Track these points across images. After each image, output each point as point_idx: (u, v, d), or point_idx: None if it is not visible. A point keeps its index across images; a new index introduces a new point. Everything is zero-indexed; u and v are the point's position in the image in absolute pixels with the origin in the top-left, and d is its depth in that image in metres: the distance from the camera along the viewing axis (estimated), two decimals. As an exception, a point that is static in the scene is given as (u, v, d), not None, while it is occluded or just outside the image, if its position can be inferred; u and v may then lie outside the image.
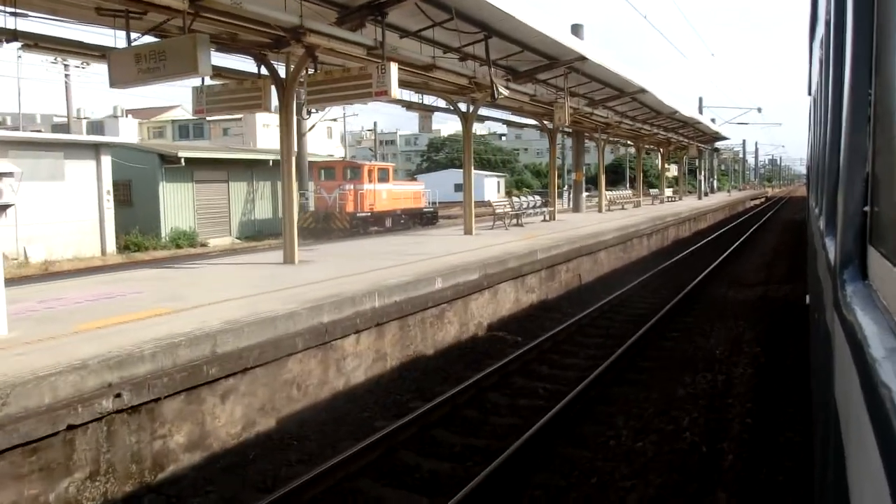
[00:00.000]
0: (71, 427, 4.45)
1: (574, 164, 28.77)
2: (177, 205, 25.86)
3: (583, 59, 14.49)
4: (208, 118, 55.29)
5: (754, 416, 6.18)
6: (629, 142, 33.51)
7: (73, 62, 24.82)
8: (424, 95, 15.72)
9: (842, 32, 1.82)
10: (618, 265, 16.91)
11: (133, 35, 8.93)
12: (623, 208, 30.56)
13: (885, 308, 1.17)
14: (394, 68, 9.29)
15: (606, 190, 32.19)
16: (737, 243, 21.68)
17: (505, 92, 12.79)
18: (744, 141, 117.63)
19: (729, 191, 72.21)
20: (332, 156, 43.63)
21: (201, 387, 5.42)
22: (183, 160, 25.19)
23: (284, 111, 10.21)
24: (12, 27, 8.68)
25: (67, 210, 21.48)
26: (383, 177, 28.03)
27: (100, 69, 9.45)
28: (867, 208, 1.43)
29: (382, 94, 9.28)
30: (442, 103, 16.28)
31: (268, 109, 10.42)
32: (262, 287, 8.20)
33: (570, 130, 26.25)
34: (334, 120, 57.22)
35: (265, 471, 5.46)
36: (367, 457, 5.62)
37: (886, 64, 1.28)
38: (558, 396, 6.98)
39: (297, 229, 25.95)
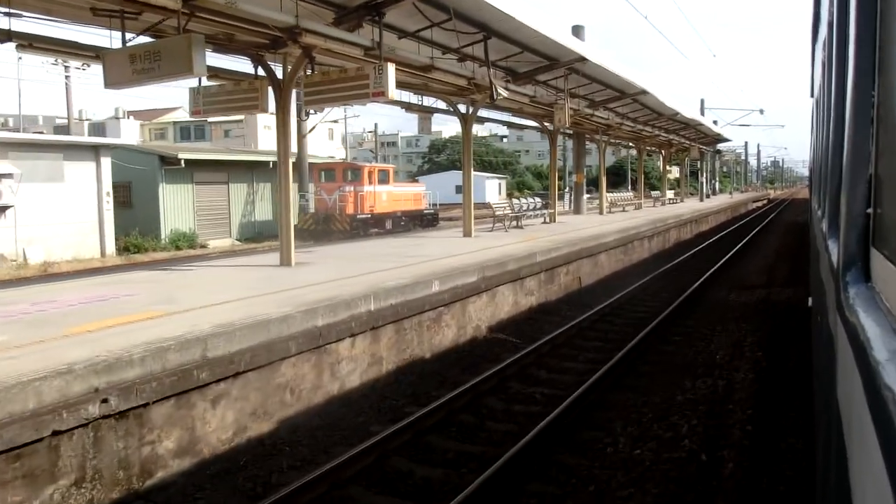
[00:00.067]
0: (56, 433, 4.36)
1: (575, 166, 28.68)
2: (176, 206, 25.81)
3: (583, 60, 14.40)
4: (210, 120, 55.42)
5: (755, 423, 6.07)
6: (630, 143, 33.40)
7: (73, 63, 24.79)
8: (424, 97, 15.66)
9: (844, 34, 1.81)
10: (618, 268, 16.81)
11: (129, 36, 8.88)
12: (624, 210, 30.46)
13: (888, 310, 1.16)
14: (391, 69, 9.21)
15: (608, 192, 32.10)
16: (739, 246, 21.56)
17: (504, 93, 12.70)
18: (746, 143, 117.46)
19: (731, 193, 72.05)
20: (332, 157, 43.61)
21: (191, 391, 5.33)
22: (183, 162, 25.14)
23: (281, 112, 10.13)
24: (6, 27, 8.61)
25: (67, 211, 21.44)
26: (383, 178, 27.95)
27: (100, 71, 9.41)
28: (870, 210, 1.42)
29: (379, 94, 9.20)
30: (442, 105, 16.21)
31: (265, 110, 10.35)
32: (256, 289, 8.11)
33: (571, 132, 26.17)
34: (335, 121, 57.20)
35: (256, 477, 5.37)
36: (361, 462, 5.53)
37: (890, 65, 1.27)
38: (556, 402, 6.88)
39: (297, 231, 25.96)
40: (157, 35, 9.01)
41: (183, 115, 59.24)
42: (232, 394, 5.73)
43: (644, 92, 19.83)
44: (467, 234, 16.08)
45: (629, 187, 53.71)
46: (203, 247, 25.60)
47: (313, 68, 9.83)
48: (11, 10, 8.35)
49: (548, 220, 21.62)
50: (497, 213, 18.79)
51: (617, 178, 65.41)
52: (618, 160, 67.59)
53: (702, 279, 14.39)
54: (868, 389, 1.01)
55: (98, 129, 54.47)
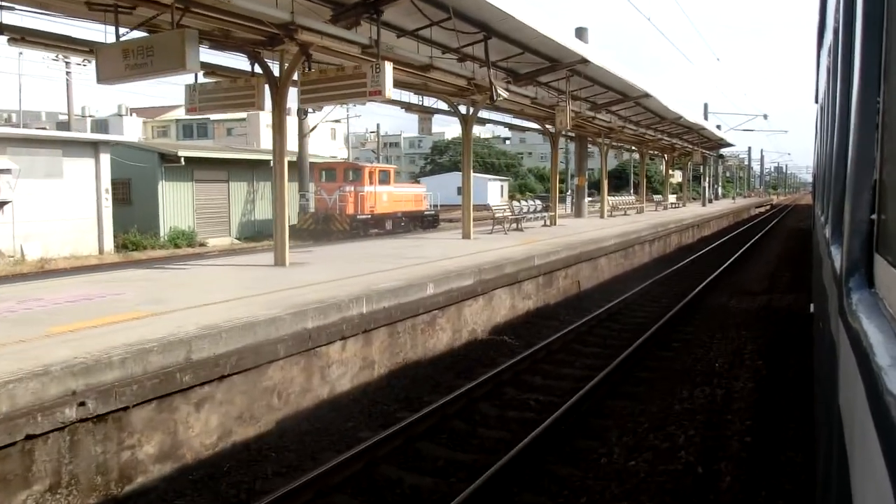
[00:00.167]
0: (30, 437, 4.22)
1: (576, 169, 28.51)
2: (176, 204, 25.70)
3: (585, 61, 14.25)
4: (212, 118, 55.37)
5: (754, 434, 5.91)
6: (633, 147, 33.23)
7: (74, 59, 24.71)
8: (424, 97, 15.52)
9: (850, 40, 1.82)
10: (618, 272, 16.64)
11: (124, 30, 8.75)
12: (626, 214, 30.29)
13: (891, 316, 1.16)
14: (388, 68, 9.07)
15: (610, 195, 31.93)
16: (740, 251, 21.39)
17: (504, 94, 12.55)
18: (749, 148, 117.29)
19: (734, 198, 71.82)
20: (334, 157, 43.50)
21: (174, 395, 5.19)
22: (183, 159, 25.03)
23: (277, 110, 10.00)
24: (-1, 20, 8.49)
25: (65, 208, 21.33)
26: (384, 179, 27.83)
27: (102, 67, 9.38)
28: (874, 216, 1.43)
29: (376, 93, 9.06)
30: (442, 105, 16.07)
31: (261, 108, 10.21)
32: (248, 290, 7.97)
33: (573, 135, 26.01)
34: (338, 121, 57.12)
35: (239, 483, 5.23)
36: (348, 469, 5.39)
37: (895, 72, 1.27)
38: (551, 409, 6.73)
39: (297, 231, 25.83)
40: (152, 30, 8.88)
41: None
42: (217, 397, 5.58)
43: (647, 95, 19.67)
44: (466, 236, 15.93)
45: (631, 191, 53.51)
46: (202, 245, 25.48)
47: (310, 66, 9.70)
48: (4, 3, 8.23)
49: (548, 222, 21.46)
50: (497, 215, 18.63)
51: (619, 181, 65.20)
52: (620, 164, 67.33)
53: (702, 284, 14.24)
54: (870, 395, 1.01)
55: (101, 125, 54.49)
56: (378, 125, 55.47)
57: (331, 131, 60.16)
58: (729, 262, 18.47)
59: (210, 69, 10.58)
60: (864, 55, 1.49)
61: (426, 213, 30.83)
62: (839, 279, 1.71)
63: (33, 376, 4.34)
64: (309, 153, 29.40)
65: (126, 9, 8.37)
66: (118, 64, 8.12)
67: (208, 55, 10.60)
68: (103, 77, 8.35)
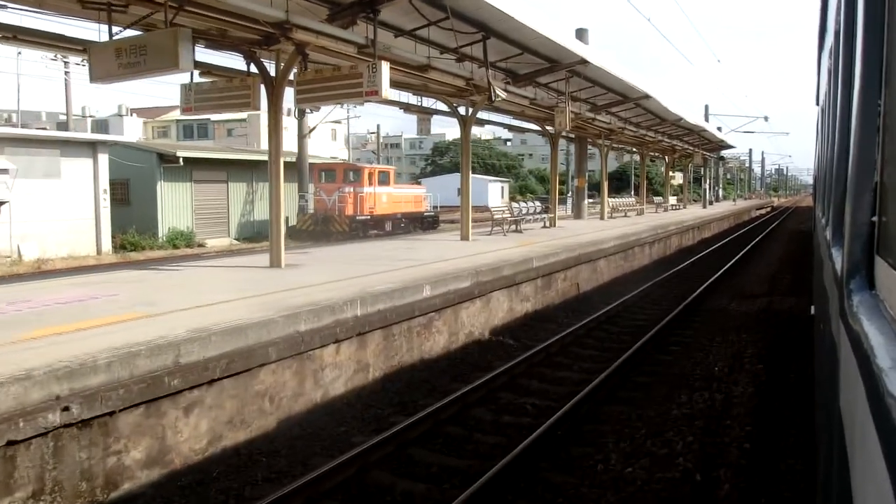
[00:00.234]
0: (11, 443, 4.13)
1: (576, 171, 28.41)
2: (175, 205, 25.61)
3: (584, 62, 14.15)
4: (213, 118, 55.33)
5: (753, 441, 5.80)
6: (633, 149, 33.13)
7: (73, 59, 24.63)
8: (423, 98, 15.43)
9: (851, 42, 1.82)
10: (618, 274, 16.54)
11: (118, 29, 8.67)
12: (626, 216, 30.18)
13: (892, 318, 1.16)
14: (385, 67, 8.98)
15: (610, 197, 31.83)
16: (741, 253, 21.28)
17: (503, 94, 12.46)
18: (750, 150, 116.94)
19: (734, 200, 71.70)
20: (335, 158, 43.41)
21: (162, 399, 5.09)
22: (181, 160, 24.94)
23: (273, 110, 9.91)
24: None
25: (63, 208, 21.25)
26: (384, 180, 27.75)
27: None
28: (875, 218, 1.43)
29: (373, 93, 8.97)
30: (442, 106, 15.98)
31: (256, 108, 10.12)
32: (241, 292, 7.87)
33: (573, 136, 25.92)
34: (338, 122, 57.05)
35: (228, 490, 5.13)
36: (340, 475, 5.28)
37: None
38: (547, 413, 6.63)
39: (296, 232, 25.73)
40: (147, 29, 8.80)
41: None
42: (206, 402, 5.48)
43: (647, 96, 19.57)
44: (464, 237, 15.83)
45: (632, 193, 53.39)
46: (201, 246, 25.39)
47: (306, 66, 9.61)
48: (-2, 2, 8.15)
49: (548, 224, 21.36)
50: (496, 216, 18.53)
51: (620, 183, 65.09)
52: (621, 166, 67.25)
53: (702, 287, 14.13)
54: (871, 397, 1.01)
55: (101, 126, 54.46)
56: (378, 126, 55.40)
57: (331, 132, 60.10)
58: (729, 264, 18.37)
59: (206, 69, 10.49)
60: (864, 57, 1.50)
61: (426, 214, 30.75)
62: (840, 281, 1.72)
63: (15, 380, 4.25)
64: (309, 154, 29.34)
65: (120, 7, 8.28)
66: (111, 63, 8.03)
67: (204, 55, 10.53)
68: (96, 76, 8.26)
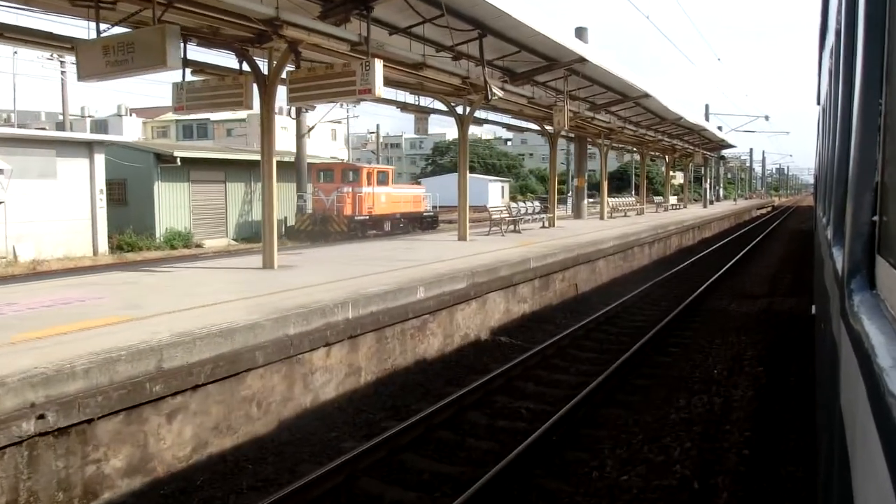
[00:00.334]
0: (-17, 452, 3.98)
1: (576, 170, 28.26)
2: (172, 205, 25.46)
3: (583, 60, 14.00)
4: (212, 118, 55.20)
5: (753, 447, 5.65)
6: (633, 148, 32.96)
7: (69, 58, 24.45)
8: (421, 97, 15.29)
9: (852, 42, 1.82)
10: (617, 275, 16.39)
11: (107, 27, 8.52)
12: (626, 215, 30.02)
13: (892, 318, 1.17)
14: (378, 65, 8.83)
15: (610, 197, 31.67)
16: (741, 253, 21.13)
17: (499, 93, 12.30)
18: (751, 149, 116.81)
19: (735, 199, 71.49)
20: (335, 158, 43.26)
21: (143, 406, 4.95)
22: (179, 160, 24.79)
23: (266, 109, 9.77)
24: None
25: (59, 208, 21.11)
26: (382, 180, 27.61)
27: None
28: (876, 218, 1.43)
29: (366, 92, 8.83)
30: (439, 105, 15.83)
31: (249, 107, 9.98)
32: (231, 294, 7.73)
33: (572, 135, 25.77)
34: (338, 122, 56.90)
35: (212, 498, 4.98)
36: (328, 483, 5.14)
37: None
38: (543, 417, 6.49)
39: (294, 232, 25.56)
40: (137, 27, 8.65)
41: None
42: (190, 407, 5.34)
43: (646, 95, 19.41)
44: (462, 238, 15.68)
45: (633, 192, 53.22)
46: (198, 246, 25.24)
47: (299, 64, 9.46)
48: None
49: (546, 224, 21.21)
50: (494, 216, 18.38)
51: (621, 182, 64.91)
52: (622, 165, 67.07)
53: (702, 287, 13.98)
54: (872, 397, 1.01)
55: (100, 126, 54.38)
56: (378, 126, 55.22)
57: (331, 132, 59.94)
58: (729, 264, 18.21)
59: (198, 67, 10.35)
60: (865, 57, 1.50)
61: (425, 214, 30.60)
62: (841, 281, 1.72)
63: (-12, 388, 4.10)
64: (309, 154, 29.18)
65: (108, 4, 8.14)
66: (99, 61, 7.88)
67: (197, 53, 10.39)
68: (84, 74, 8.12)
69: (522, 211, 21.14)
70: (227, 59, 11.17)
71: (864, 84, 1.51)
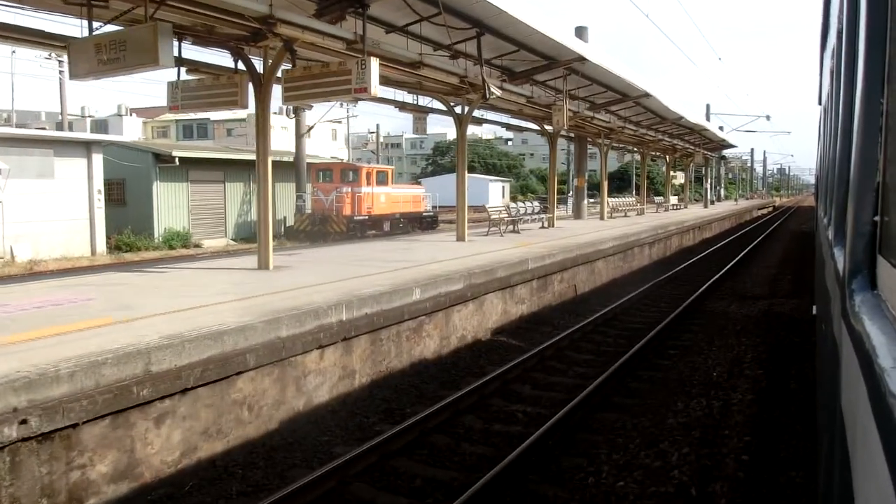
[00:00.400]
0: (-37, 459, 3.89)
1: (576, 170, 28.15)
2: (171, 205, 25.36)
3: (582, 59, 13.90)
4: (212, 118, 55.12)
5: (752, 452, 5.55)
6: (633, 148, 32.85)
7: (66, 58, 24.40)
8: (419, 96, 15.19)
9: (854, 42, 1.82)
10: (616, 275, 16.28)
11: (98, 25, 8.43)
12: (626, 216, 29.91)
13: (894, 318, 1.17)
14: (374, 64, 8.74)
15: (611, 197, 31.55)
16: (742, 254, 21.02)
17: (497, 92, 12.20)
18: (752, 149, 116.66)
19: (736, 199, 71.36)
20: (335, 157, 43.17)
21: (130, 410, 4.85)
22: (177, 160, 24.70)
23: (261, 108, 9.67)
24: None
25: (57, 208, 21.02)
26: (382, 180, 27.51)
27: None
28: (877, 218, 1.43)
29: (362, 91, 8.73)
30: (438, 105, 15.73)
31: (244, 106, 9.88)
32: (224, 295, 7.63)
33: (572, 135, 25.66)
34: (338, 122, 56.84)
35: (201, 504, 4.89)
36: (318, 489, 5.04)
37: None
38: (539, 421, 6.39)
39: (293, 232, 25.46)
40: (130, 25, 8.56)
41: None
42: (179, 411, 5.24)
43: (647, 95, 19.31)
44: (461, 238, 15.58)
45: (633, 192, 53.10)
46: (197, 246, 25.14)
47: (294, 62, 9.37)
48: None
49: (546, 224, 21.11)
50: (492, 217, 18.27)
51: (621, 182, 64.80)
52: (623, 165, 66.95)
53: (702, 289, 13.88)
54: (873, 397, 1.01)
55: (100, 125, 54.31)
56: (378, 126, 55.16)
57: (331, 132, 59.86)
58: (730, 265, 18.11)
59: (193, 66, 10.26)
60: (867, 57, 1.50)
61: (425, 214, 30.50)
62: (842, 281, 1.73)
63: (-31, 392, 4.01)
64: (309, 154, 29.09)
65: (100, 2, 8.04)
66: (91, 59, 7.80)
67: (192, 51, 10.31)
68: (76, 73, 8.03)
69: (521, 211, 21.03)
70: (222, 58, 11.10)
71: (865, 84, 1.51)
